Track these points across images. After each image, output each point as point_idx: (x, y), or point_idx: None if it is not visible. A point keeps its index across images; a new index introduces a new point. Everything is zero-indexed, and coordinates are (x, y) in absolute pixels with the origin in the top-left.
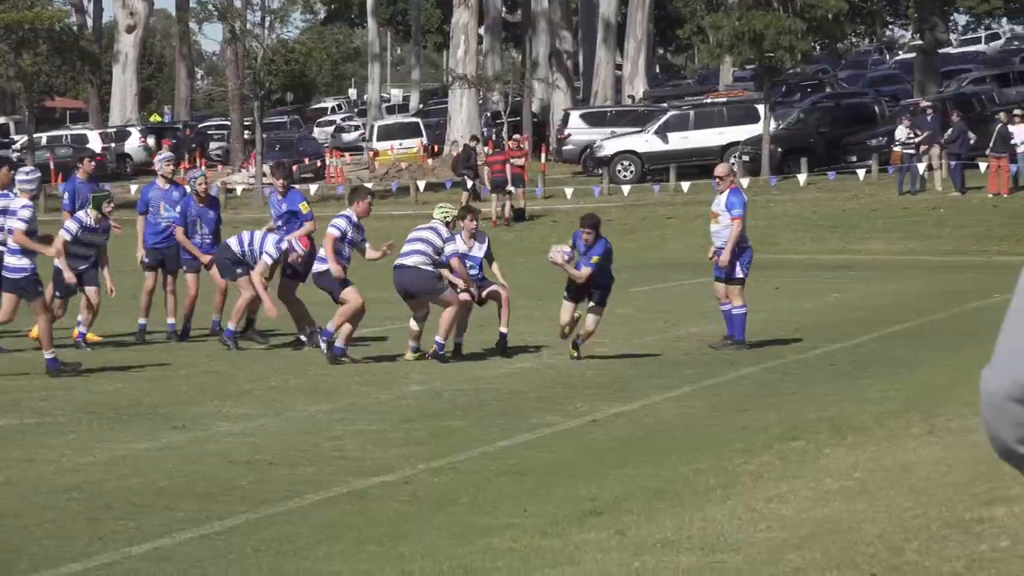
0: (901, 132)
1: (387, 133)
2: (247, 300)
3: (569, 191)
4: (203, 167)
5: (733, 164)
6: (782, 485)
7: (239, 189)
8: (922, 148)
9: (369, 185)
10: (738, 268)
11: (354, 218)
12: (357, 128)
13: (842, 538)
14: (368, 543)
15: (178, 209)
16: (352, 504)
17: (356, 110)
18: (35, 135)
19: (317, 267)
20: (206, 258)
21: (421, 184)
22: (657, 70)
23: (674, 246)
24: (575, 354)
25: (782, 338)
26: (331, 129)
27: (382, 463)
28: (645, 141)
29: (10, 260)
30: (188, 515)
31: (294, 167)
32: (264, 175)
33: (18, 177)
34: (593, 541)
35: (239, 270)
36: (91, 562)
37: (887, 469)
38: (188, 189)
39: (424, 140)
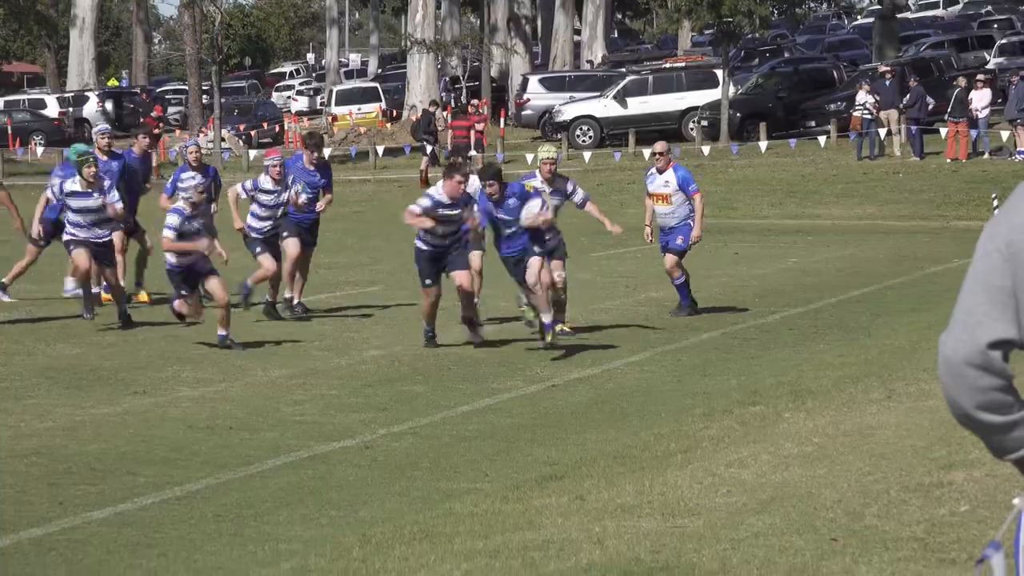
0: (862, 96)
1: (346, 98)
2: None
3: (529, 156)
4: (196, 136)
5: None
6: (742, 450)
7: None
8: (881, 113)
9: (329, 151)
10: (682, 240)
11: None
12: (308, 94)
13: (802, 503)
14: (329, 508)
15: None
16: (313, 469)
17: (314, 75)
18: None
19: None
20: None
21: (380, 149)
22: (616, 35)
23: (634, 211)
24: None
25: (741, 304)
26: (290, 94)
27: (343, 428)
28: (604, 106)
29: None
30: (149, 480)
31: (252, 132)
32: (223, 140)
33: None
34: (554, 506)
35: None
36: (51, 527)
37: (846, 434)
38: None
39: (383, 105)
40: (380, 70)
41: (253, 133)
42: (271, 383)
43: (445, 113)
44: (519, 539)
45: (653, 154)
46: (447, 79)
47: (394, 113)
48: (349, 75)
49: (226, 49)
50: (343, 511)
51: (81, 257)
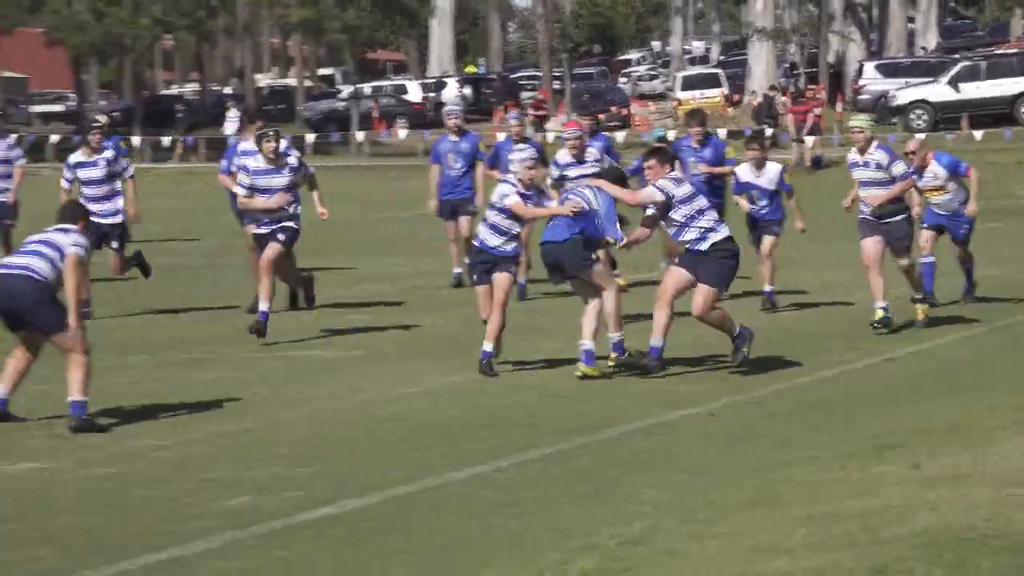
0: None
1: (689, 83)
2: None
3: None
4: (515, 111)
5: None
6: None
7: (551, 136)
8: None
9: (671, 134)
10: (966, 229)
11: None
12: (654, 78)
13: None
14: (675, 472)
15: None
16: (660, 435)
17: (659, 61)
18: (359, 85)
19: None
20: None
21: (722, 132)
22: (948, 22)
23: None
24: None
25: None
26: (638, 74)
27: (687, 397)
28: (937, 91)
29: None
30: (505, 443)
31: (601, 115)
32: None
33: None
34: (890, 473)
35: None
36: (413, 486)
37: None
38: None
39: (724, 90)
40: (722, 57)
41: (602, 116)
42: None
43: (784, 98)
44: (856, 505)
45: (907, 153)
46: (786, 65)
47: (735, 98)
48: (692, 62)
49: (576, 37)
50: (690, 476)
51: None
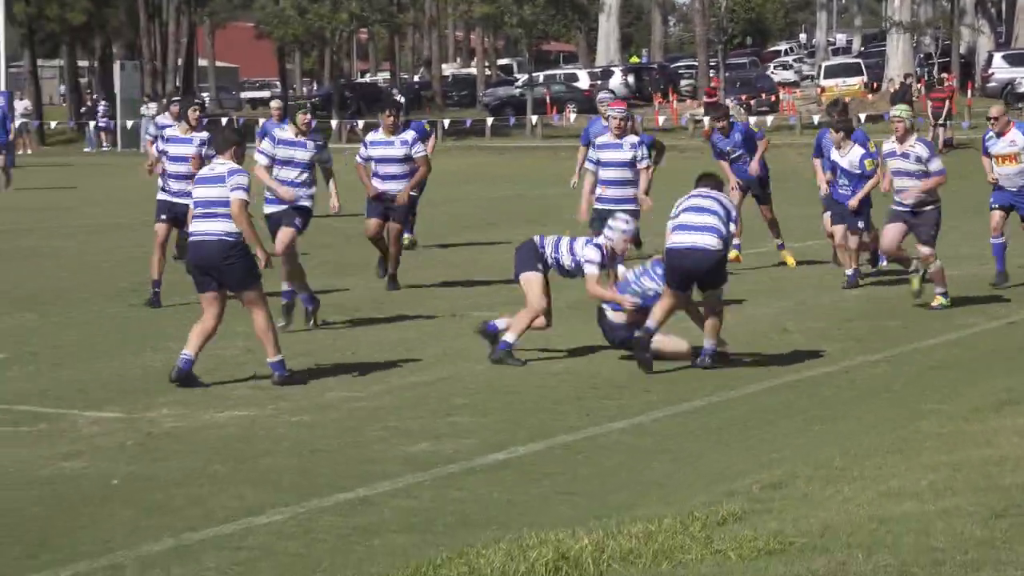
0: None
1: (832, 72)
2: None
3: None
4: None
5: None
6: None
7: (706, 121)
8: None
9: (817, 117)
10: None
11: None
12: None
13: None
14: (813, 423)
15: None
16: (800, 390)
17: (805, 52)
18: (534, 74)
19: None
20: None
21: (862, 116)
22: None
23: None
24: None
25: None
26: (785, 63)
27: (826, 355)
28: None
29: None
30: (661, 397)
31: (752, 101)
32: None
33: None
34: (1010, 427)
35: None
36: (579, 434)
37: None
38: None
39: (865, 78)
40: (863, 47)
41: (752, 102)
42: (764, 317)
43: (919, 85)
44: (978, 455)
45: (988, 118)
46: (921, 56)
47: (875, 85)
48: (836, 52)
49: (730, 30)
50: (826, 426)
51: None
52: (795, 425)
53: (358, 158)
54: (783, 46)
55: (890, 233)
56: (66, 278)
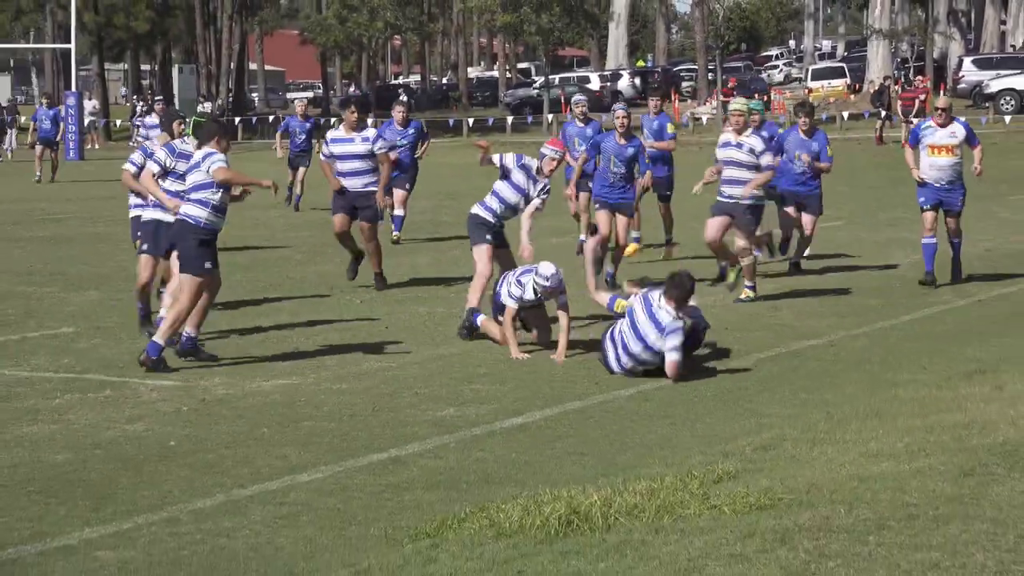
0: None
1: (819, 75)
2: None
3: (961, 118)
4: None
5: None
6: None
7: (704, 119)
8: None
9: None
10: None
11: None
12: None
13: None
14: (800, 391)
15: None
16: (788, 361)
17: (794, 57)
18: (550, 76)
19: None
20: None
21: (845, 114)
22: None
23: None
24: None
25: None
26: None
27: (811, 330)
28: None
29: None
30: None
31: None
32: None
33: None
34: (977, 394)
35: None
36: (590, 400)
37: None
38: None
39: (847, 80)
40: (846, 53)
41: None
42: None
43: (896, 86)
44: (949, 419)
45: (936, 109)
46: (898, 60)
47: (856, 87)
48: (822, 57)
49: (727, 37)
50: (811, 394)
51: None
52: (784, 393)
53: (321, 156)
54: (774, 51)
55: (714, 226)
56: (126, 260)
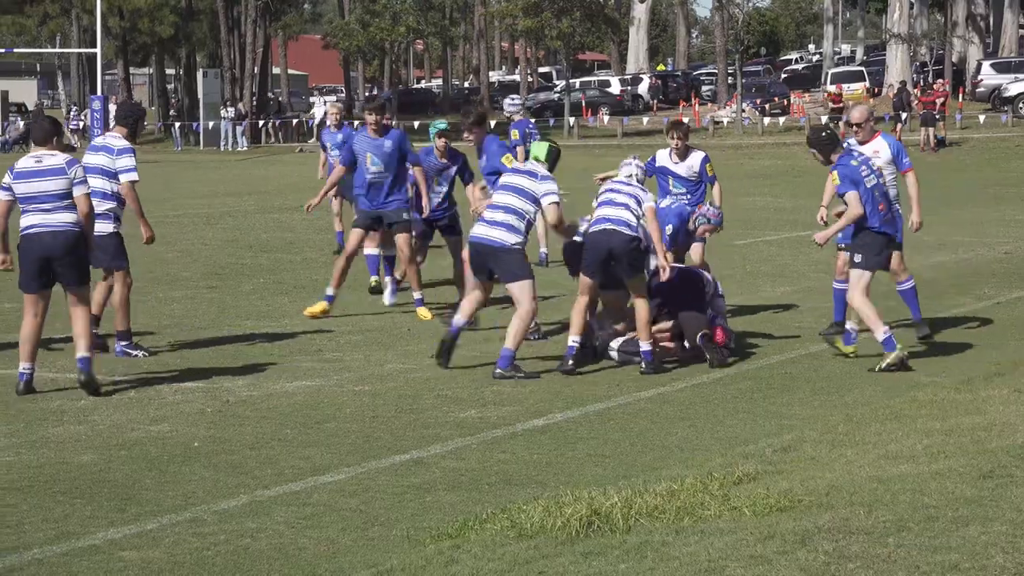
0: None
1: (838, 78)
2: None
3: (982, 117)
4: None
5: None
6: None
7: (725, 121)
8: None
9: (824, 119)
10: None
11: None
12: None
13: None
14: (820, 393)
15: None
16: (808, 363)
17: (813, 61)
18: (571, 80)
19: None
20: None
21: None
22: None
23: None
24: None
25: None
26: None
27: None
28: None
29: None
30: (686, 370)
31: (766, 105)
32: (743, 111)
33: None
34: (997, 396)
35: None
36: (611, 403)
37: None
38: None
39: (866, 84)
40: (865, 57)
41: (767, 106)
42: (772, 298)
43: (915, 90)
44: (968, 422)
45: (849, 124)
46: (917, 63)
47: (875, 90)
48: (841, 61)
49: (746, 41)
50: (831, 396)
51: None
52: (803, 395)
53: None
54: (794, 55)
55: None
56: (149, 262)
